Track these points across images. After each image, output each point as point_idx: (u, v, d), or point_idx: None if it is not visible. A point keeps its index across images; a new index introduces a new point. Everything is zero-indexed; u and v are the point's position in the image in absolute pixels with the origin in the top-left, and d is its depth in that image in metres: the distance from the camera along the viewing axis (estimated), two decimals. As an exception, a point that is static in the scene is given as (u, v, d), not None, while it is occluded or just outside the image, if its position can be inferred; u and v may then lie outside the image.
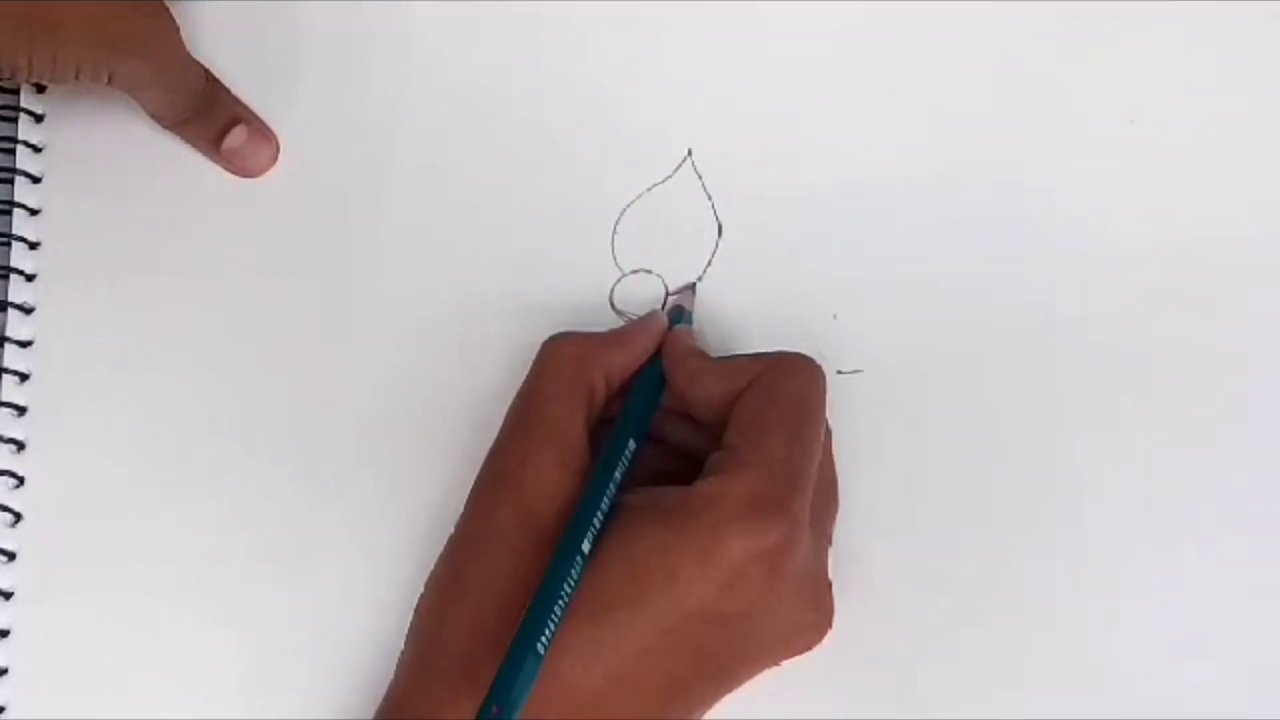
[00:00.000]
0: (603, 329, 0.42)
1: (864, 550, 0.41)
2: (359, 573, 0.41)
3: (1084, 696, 0.40)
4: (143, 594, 0.41)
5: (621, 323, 0.43)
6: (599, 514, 0.35)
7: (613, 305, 0.43)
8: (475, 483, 0.38)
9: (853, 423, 0.42)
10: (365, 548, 0.41)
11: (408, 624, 0.37)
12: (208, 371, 0.43)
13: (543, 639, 0.33)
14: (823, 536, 0.38)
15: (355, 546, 0.41)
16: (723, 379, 0.38)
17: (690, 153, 0.44)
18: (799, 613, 0.36)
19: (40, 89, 0.45)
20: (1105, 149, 0.44)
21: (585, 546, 0.35)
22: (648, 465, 0.39)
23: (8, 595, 0.41)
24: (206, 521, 0.42)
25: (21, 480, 0.42)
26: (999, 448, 0.42)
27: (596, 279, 0.43)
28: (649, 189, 0.44)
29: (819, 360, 0.42)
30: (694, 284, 0.43)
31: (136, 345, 0.43)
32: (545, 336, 0.42)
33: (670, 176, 0.44)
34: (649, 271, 0.43)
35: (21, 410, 0.43)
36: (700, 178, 0.44)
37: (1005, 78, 0.44)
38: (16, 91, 0.45)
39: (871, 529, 0.41)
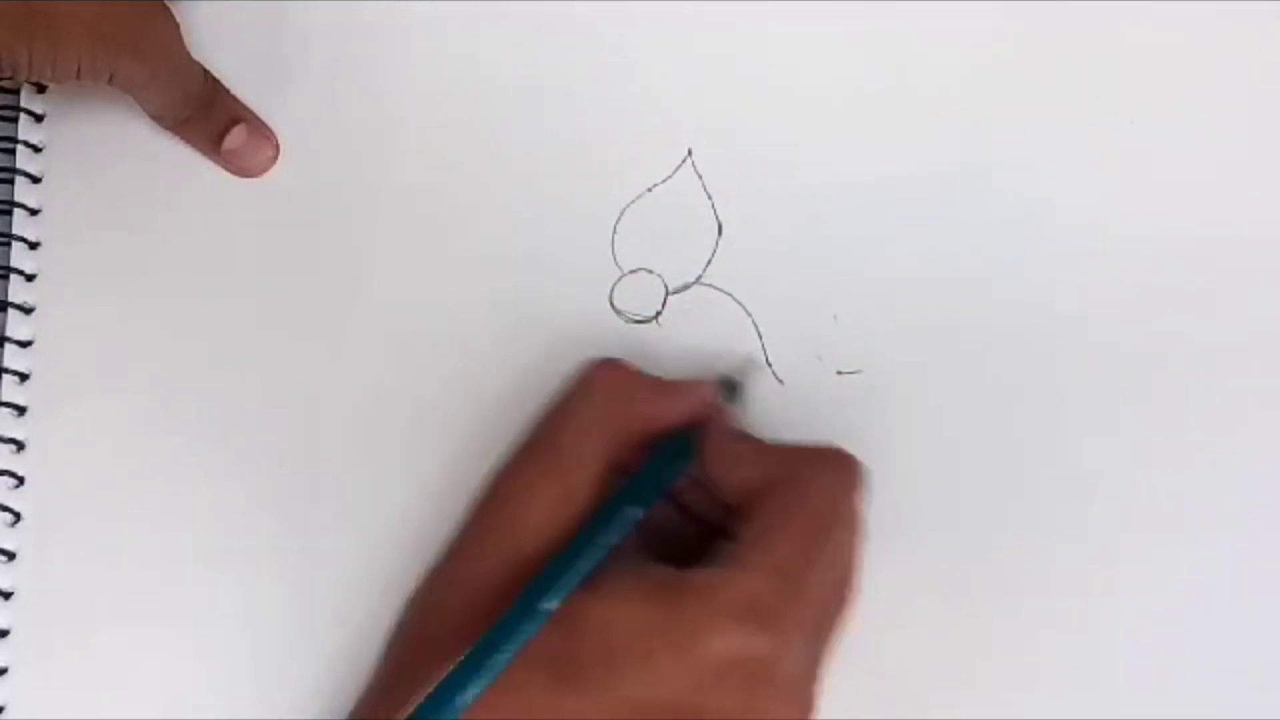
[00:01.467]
0: (602, 329, 0.42)
1: (864, 551, 0.41)
2: (361, 573, 0.41)
3: (1084, 696, 0.40)
4: (143, 594, 0.41)
5: (621, 323, 0.43)
6: (572, 579, 0.34)
7: (613, 305, 0.43)
8: (480, 499, 0.37)
9: (853, 423, 0.42)
10: (367, 548, 0.41)
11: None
12: (208, 371, 0.43)
13: (472, 691, 0.32)
14: (820, 644, 0.36)
15: (357, 547, 0.41)
16: (758, 466, 0.37)
17: (690, 153, 0.44)
18: (775, 718, 0.34)
19: (40, 89, 0.45)
20: (1105, 149, 0.44)
21: (549, 606, 0.33)
22: (658, 525, 0.37)
23: (8, 595, 0.41)
24: (206, 521, 0.42)
25: (21, 480, 0.42)
26: (999, 448, 0.42)
27: (596, 279, 0.43)
28: (649, 189, 0.44)
29: (818, 362, 0.42)
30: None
31: (136, 345, 0.43)
32: (545, 336, 0.42)
33: (670, 176, 0.44)
34: (649, 271, 0.43)
35: (21, 410, 0.43)
36: (700, 178, 0.44)
37: (1005, 78, 0.44)
38: (16, 91, 0.45)
39: (871, 529, 0.41)
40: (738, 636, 0.33)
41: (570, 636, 0.33)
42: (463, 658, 0.32)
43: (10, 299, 0.43)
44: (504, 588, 0.35)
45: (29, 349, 0.43)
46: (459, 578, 0.36)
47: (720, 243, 0.43)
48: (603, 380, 0.38)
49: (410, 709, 0.32)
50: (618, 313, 0.43)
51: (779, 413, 0.42)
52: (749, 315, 0.43)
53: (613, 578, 0.34)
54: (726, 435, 0.38)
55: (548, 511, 0.36)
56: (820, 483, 0.36)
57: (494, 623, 0.33)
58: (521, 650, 0.33)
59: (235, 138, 0.43)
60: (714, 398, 0.39)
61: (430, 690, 0.32)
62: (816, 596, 0.35)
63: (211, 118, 0.43)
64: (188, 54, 0.42)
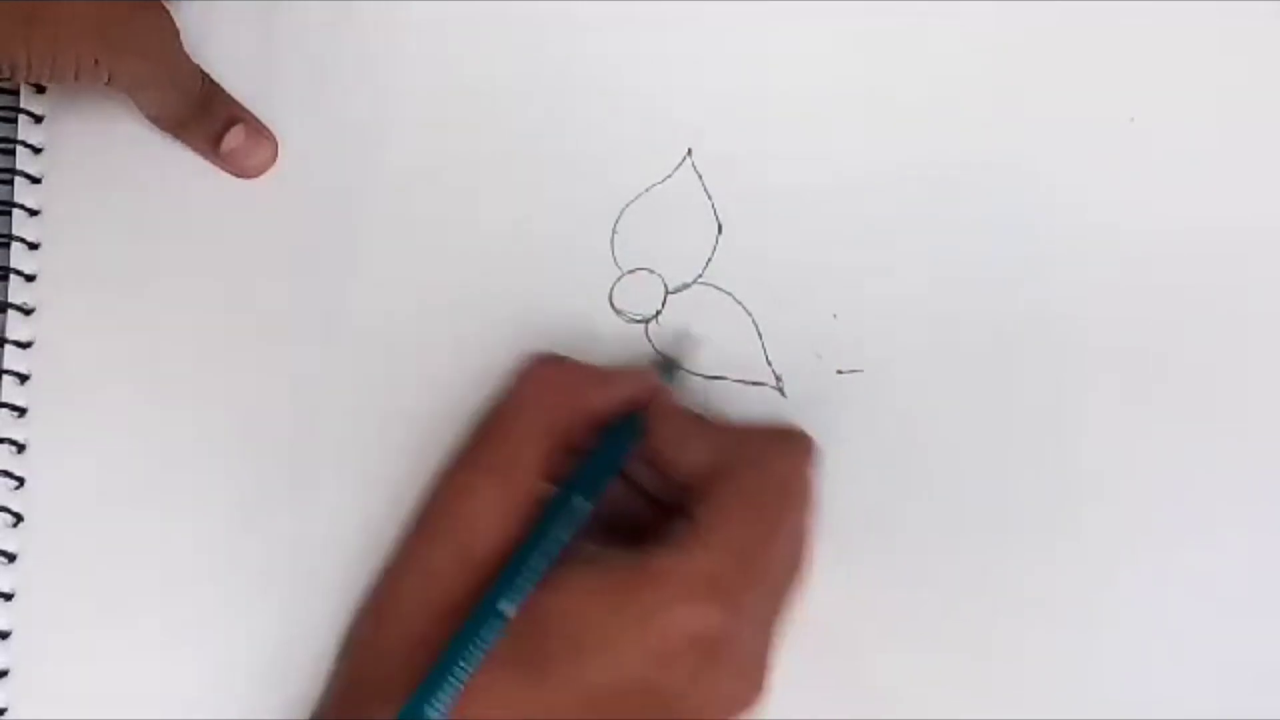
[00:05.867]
0: (602, 329, 0.42)
1: (863, 551, 0.41)
2: (360, 574, 0.41)
3: (1084, 697, 0.40)
4: (143, 595, 0.41)
5: (621, 322, 0.43)
6: (529, 580, 0.34)
7: (612, 305, 0.43)
8: (426, 504, 0.37)
9: (853, 423, 0.42)
10: (366, 548, 0.41)
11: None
12: (207, 372, 0.43)
13: (438, 702, 0.32)
14: (774, 616, 0.37)
15: (356, 547, 0.41)
16: (709, 445, 0.37)
17: (690, 152, 0.44)
18: (731, 693, 0.35)
19: (40, 90, 0.45)
20: (1105, 148, 0.44)
21: (505, 608, 0.34)
22: (610, 503, 0.38)
23: (9, 597, 0.41)
24: (206, 522, 0.42)
25: (22, 481, 0.42)
26: (999, 447, 0.42)
27: (596, 278, 0.43)
28: (649, 189, 0.44)
29: (818, 360, 0.42)
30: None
31: (136, 346, 0.43)
32: (545, 336, 0.42)
33: (670, 176, 0.44)
34: (649, 271, 0.43)
35: (21, 411, 0.43)
36: (700, 177, 0.44)
37: (1005, 76, 0.44)
38: (16, 92, 0.45)
39: (871, 529, 0.41)
40: (695, 614, 0.33)
41: (533, 633, 0.34)
42: (429, 672, 0.33)
43: (10, 299, 0.43)
44: (460, 591, 0.35)
45: (29, 350, 0.43)
46: (412, 585, 0.36)
47: (720, 242, 0.43)
48: (540, 376, 0.38)
49: None
50: (618, 312, 0.43)
51: (779, 411, 0.42)
52: (749, 315, 0.43)
53: (569, 570, 0.35)
54: (676, 415, 0.38)
55: (496, 513, 0.36)
56: (775, 461, 0.37)
57: (455, 630, 0.33)
58: (485, 657, 0.33)
59: (233, 138, 0.43)
60: (654, 380, 0.39)
61: (399, 711, 0.32)
62: (772, 573, 0.35)
63: (209, 119, 0.43)
64: (185, 55, 0.42)
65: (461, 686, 0.33)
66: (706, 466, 0.36)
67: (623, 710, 0.34)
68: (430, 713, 0.32)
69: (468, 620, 0.34)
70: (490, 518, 0.36)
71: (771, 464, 0.36)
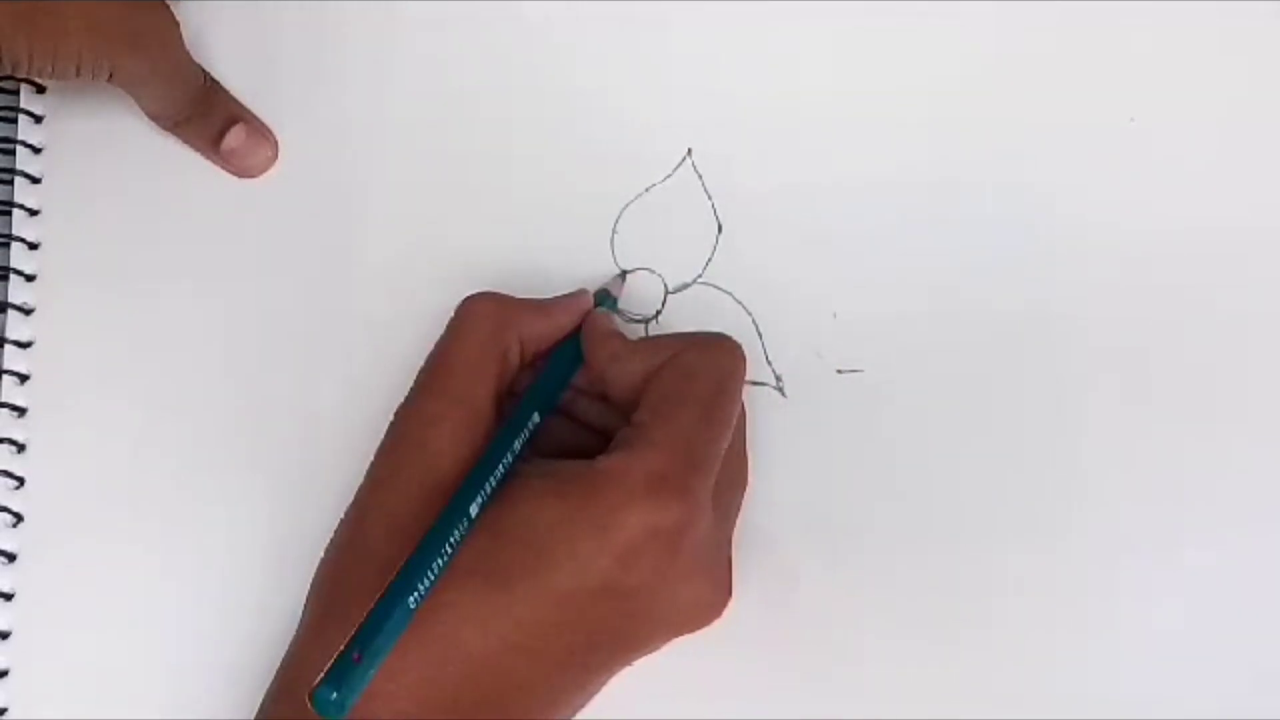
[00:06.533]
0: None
1: (863, 550, 0.41)
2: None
3: (1084, 696, 0.40)
4: (143, 595, 0.41)
5: (622, 322, 0.43)
6: (491, 480, 0.35)
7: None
8: (382, 442, 0.38)
9: (853, 423, 0.42)
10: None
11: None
12: (207, 372, 0.43)
13: (416, 593, 0.33)
14: (726, 515, 0.38)
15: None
16: (642, 357, 0.38)
17: (690, 152, 0.44)
18: (697, 590, 0.36)
19: (39, 90, 0.45)
20: (1105, 148, 0.44)
21: (473, 510, 0.35)
22: (559, 441, 0.39)
23: (8, 596, 0.41)
24: (207, 522, 0.42)
25: (22, 481, 0.42)
26: (999, 447, 0.42)
27: (596, 279, 0.43)
28: (649, 189, 0.44)
29: (818, 360, 0.42)
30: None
31: (136, 346, 0.43)
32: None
33: (670, 176, 0.44)
34: (649, 271, 0.43)
35: (21, 411, 0.43)
36: (700, 177, 0.44)
37: (1005, 77, 0.44)
38: (16, 92, 0.45)
39: (872, 529, 0.41)
40: (650, 512, 0.34)
41: (495, 544, 0.34)
42: (402, 565, 0.33)
43: (10, 299, 0.43)
44: (426, 512, 0.35)
45: (29, 350, 0.43)
46: (378, 514, 0.36)
47: (720, 242, 0.43)
48: (477, 310, 0.39)
49: (351, 631, 0.32)
50: (618, 312, 0.43)
51: (779, 411, 0.42)
52: (749, 314, 0.43)
53: (526, 481, 0.36)
54: (610, 334, 0.40)
55: (456, 437, 0.37)
56: (705, 362, 0.38)
57: (428, 531, 0.34)
58: (455, 554, 0.34)
59: (234, 138, 0.43)
60: (586, 302, 0.41)
61: (376, 599, 0.32)
62: (716, 466, 0.36)
63: (210, 117, 0.43)
64: (187, 53, 0.42)
65: (435, 582, 0.33)
66: (642, 375, 0.38)
67: (591, 615, 0.34)
68: (407, 604, 0.32)
69: (437, 521, 0.34)
70: (453, 442, 0.36)
71: (705, 364, 0.37)
